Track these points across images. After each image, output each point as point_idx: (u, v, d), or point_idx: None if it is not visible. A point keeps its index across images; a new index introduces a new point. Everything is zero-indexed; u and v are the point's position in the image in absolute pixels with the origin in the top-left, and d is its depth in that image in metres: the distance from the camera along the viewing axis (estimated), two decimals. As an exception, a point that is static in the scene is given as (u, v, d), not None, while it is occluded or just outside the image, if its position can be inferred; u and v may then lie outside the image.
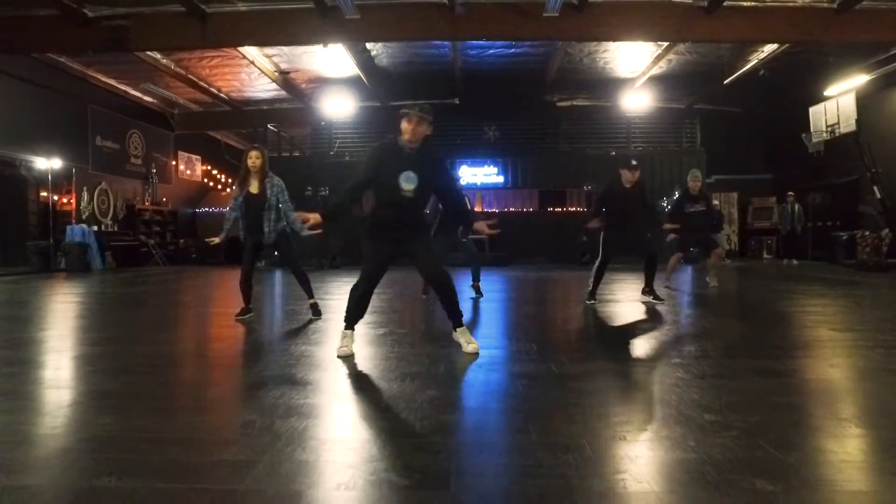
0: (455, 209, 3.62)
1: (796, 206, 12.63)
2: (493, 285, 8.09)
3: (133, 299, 7.01)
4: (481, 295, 6.44)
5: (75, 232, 11.32)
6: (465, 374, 2.97)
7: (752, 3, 8.97)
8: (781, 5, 8.99)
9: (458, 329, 3.49)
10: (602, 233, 5.76)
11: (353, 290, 3.45)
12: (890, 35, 9.21)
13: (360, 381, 2.87)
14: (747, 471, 1.68)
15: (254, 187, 4.74)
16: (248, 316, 4.84)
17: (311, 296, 5.02)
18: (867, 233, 10.50)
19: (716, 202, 13.57)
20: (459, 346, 3.44)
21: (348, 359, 3.25)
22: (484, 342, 3.64)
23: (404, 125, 3.24)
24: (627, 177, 5.60)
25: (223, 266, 12.55)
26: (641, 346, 3.85)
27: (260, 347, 3.87)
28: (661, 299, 5.82)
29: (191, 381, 3.06)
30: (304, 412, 2.27)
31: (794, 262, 12.37)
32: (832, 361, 3.23)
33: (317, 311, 4.92)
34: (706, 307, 5.97)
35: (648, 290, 5.84)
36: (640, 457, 1.81)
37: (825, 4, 8.94)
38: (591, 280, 5.79)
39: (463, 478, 1.68)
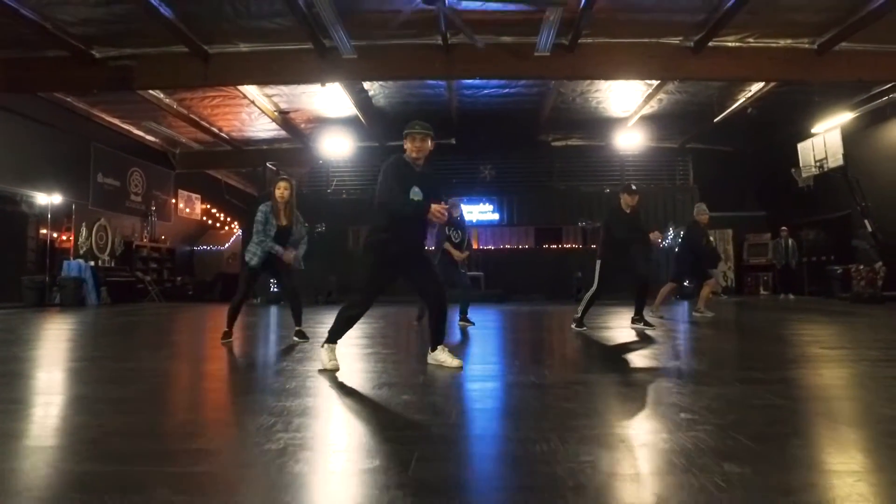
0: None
1: (790, 241, 12.72)
2: (486, 317, 8.05)
3: (122, 327, 6.97)
4: (472, 323, 6.41)
5: (72, 267, 11.36)
6: (444, 384, 2.94)
7: (737, 44, 9.28)
8: (765, 45, 9.30)
9: (439, 347, 3.46)
10: (600, 261, 5.80)
11: (346, 309, 3.42)
12: (868, 74, 9.49)
13: (340, 388, 2.84)
14: (717, 457, 1.65)
15: (281, 219, 4.81)
16: (228, 340, 4.81)
17: (298, 323, 5.00)
18: (861, 266, 10.52)
19: (711, 238, 13.70)
20: (441, 364, 3.40)
21: (332, 372, 3.22)
22: (468, 360, 3.60)
23: (409, 145, 3.40)
24: (627, 201, 5.73)
25: (217, 303, 12.53)
26: (626, 360, 3.81)
27: (240, 362, 3.84)
28: (652, 325, 5.80)
29: (168, 387, 3.03)
30: (276, 412, 2.25)
31: (791, 296, 12.35)
32: (818, 372, 3.20)
33: (303, 336, 4.90)
34: (698, 330, 5.93)
35: (638, 318, 5.83)
36: (609, 447, 1.79)
37: (806, 45, 9.25)
38: (581, 307, 5.78)
39: (422, 463, 1.65)
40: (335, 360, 3.32)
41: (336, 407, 2.49)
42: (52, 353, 4.44)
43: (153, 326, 7.25)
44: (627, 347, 4.49)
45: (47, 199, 11.48)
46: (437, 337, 3.48)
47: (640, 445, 1.80)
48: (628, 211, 5.78)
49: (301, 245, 5.04)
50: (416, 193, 3.31)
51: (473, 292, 7.40)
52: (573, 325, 5.75)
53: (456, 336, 5.32)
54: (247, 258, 4.81)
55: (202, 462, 1.67)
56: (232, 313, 4.88)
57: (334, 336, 3.41)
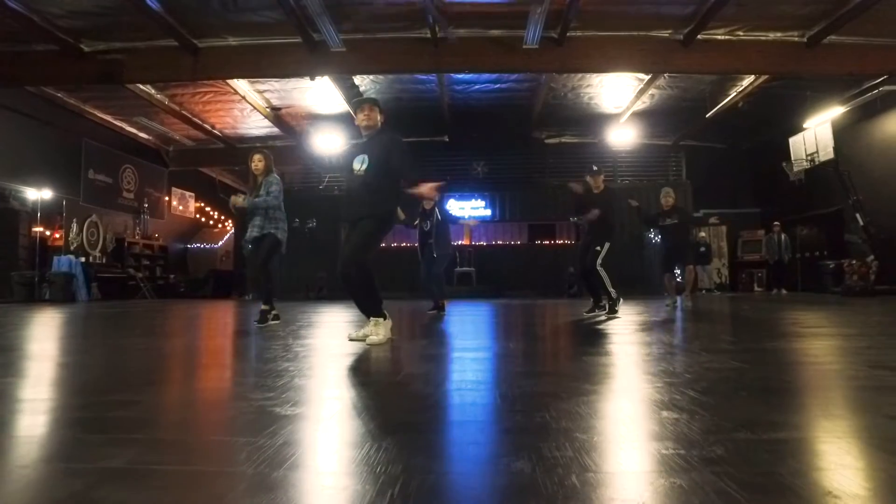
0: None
1: (783, 236, 12.70)
2: (473, 309, 8.01)
3: (107, 317, 6.94)
4: (438, 313, 6.33)
5: (62, 263, 11.34)
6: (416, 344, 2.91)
7: (727, 37, 9.26)
8: (754, 39, 9.28)
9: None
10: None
11: (370, 278, 3.41)
12: (857, 68, 9.48)
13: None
14: (659, 408, 1.62)
15: (257, 190, 5.01)
16: (271, 318, 4.87)
17: (266, 302, 4.92)
18: (854, 261, 10.49)
19: (703, 234, 13.69)
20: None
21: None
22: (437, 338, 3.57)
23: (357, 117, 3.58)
24: (592, 183, 5.83)
25: (210, 299, 12.51)
26: (592, 336, 3.78)
27: (212, 351, 3.81)
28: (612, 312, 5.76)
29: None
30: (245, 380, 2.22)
31: (784, 292, 12.32)
32: (790, 346, 3.17)
33: (264, 319, 4.82)
34: (680, 320, 5.89)
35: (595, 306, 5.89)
36: (560, 403, 1.75)
37: (795, 38, 9.24)
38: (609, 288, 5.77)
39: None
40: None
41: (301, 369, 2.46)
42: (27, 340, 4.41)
43: (122, 322, 7.22)
44: (605, 331, 4.47)
45: (38, 194, 11.46)
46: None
47: (583, 402, 1.77)
48: (597, 192, 5.88)
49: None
50: (360, 160, 3.48)
51: (462, 287, 7.44)
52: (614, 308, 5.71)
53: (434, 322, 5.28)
54: (282, 237, 4.98)
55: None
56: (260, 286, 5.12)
57: (379, 307, 3.42)
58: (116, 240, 13.67)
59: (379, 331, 3.33)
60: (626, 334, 4.09)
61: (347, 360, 2.72)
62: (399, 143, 3.54)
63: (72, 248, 12.18)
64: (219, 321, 5.85)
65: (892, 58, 9.30)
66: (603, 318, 5.52)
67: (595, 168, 5.90)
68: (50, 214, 12.03)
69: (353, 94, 11.87)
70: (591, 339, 3.79)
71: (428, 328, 4.70)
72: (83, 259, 12.04)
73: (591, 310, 5.88)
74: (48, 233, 12.04)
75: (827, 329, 4.20)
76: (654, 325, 4.95)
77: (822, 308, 7.10)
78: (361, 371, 2.47)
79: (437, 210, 6.67)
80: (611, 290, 5.72)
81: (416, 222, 6.66)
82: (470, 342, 3.70)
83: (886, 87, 10.21)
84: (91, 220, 12.91)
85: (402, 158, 3.44)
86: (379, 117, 3.55)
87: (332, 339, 3.89)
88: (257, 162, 5.06)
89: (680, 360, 2.55)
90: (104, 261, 13.12)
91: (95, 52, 9.40)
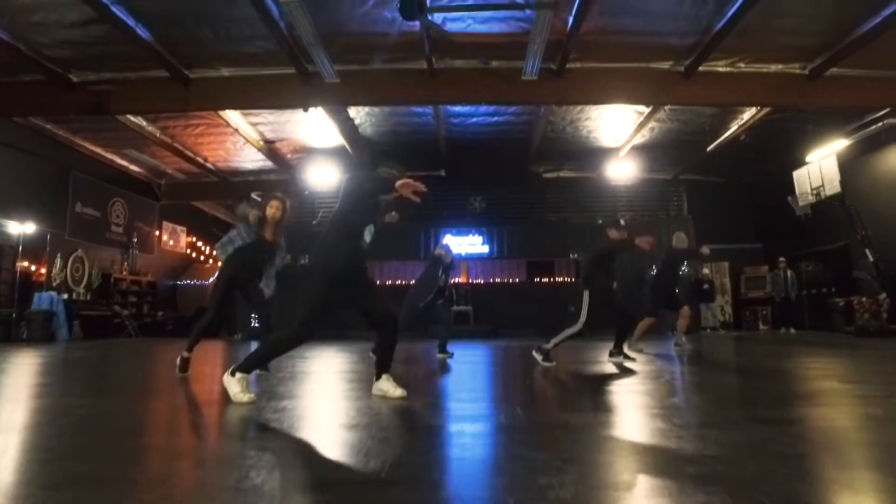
0: None
1: (789, 273, 12.36)
2: (470, 351, 7.60)
3: (69, 364, 6.47)
4: (450, 355, 6.06)
5: (43, 300, 10.87)
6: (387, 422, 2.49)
7: (728, 69, 9.14)
8: (756, 71, 9.15)
9: (384, 376, 3.21)
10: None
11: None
12: (860, 100, 9.36)
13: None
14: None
15: (268, 234, 4.53)
16: (185, 374, 4.37)
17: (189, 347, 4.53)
18: (864, 298, 10.12)
19: (706, 271, 13.35)
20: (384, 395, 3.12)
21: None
22: (439, 394, 3.16)
23: None
24: (615, 235, 5.55)
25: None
26: (585, 374, 3.36)
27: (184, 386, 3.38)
28: (633, 358, 5.41)
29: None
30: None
31: (792, 330, 11.89)
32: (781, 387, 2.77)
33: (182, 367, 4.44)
34: (677, 363, 5.49)
35: (617, 350, 5.48)
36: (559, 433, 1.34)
37: (797, 71, 9.11)
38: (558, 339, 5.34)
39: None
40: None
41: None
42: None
43: (85, 369, 6.77)
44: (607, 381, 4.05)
45: (20, 228, 11.06)
46: (385, 365, 3.25)
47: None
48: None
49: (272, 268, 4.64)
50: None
51: (459, 327, 7.28)
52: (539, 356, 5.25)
53: (434, 367, 4.87)
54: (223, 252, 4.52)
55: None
56: (198, 333, 4.54)
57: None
58: (103, 275, 13.22)
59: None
60: (612, 373, 3.69)
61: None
62: (351, 180, 3.39)
63: (54, 283, 11.73)
64: (202, 375, 5.36)
65: (895, 90, 9.17)
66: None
67: (622, 222, 5.73)
68: (34, 249, 11.62)
69: (347, 126, 11.69)
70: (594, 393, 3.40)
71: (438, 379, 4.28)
72: (66, 296, 11.58)
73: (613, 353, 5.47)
74: (32, 268, 11.60)
75: (852, 381, 3.79)
76: (648, 368, 4.57)
77: (837, 350, 6.68)
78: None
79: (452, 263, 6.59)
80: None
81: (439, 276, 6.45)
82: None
83: (890, 120, 10.04)
84: (76, 254, 12.50)
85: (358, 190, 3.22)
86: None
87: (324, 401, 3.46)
88: (275, 210, 4.54)
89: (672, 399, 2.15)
90: (89, 297, 12.65)
91: (84, 83, 9.21)
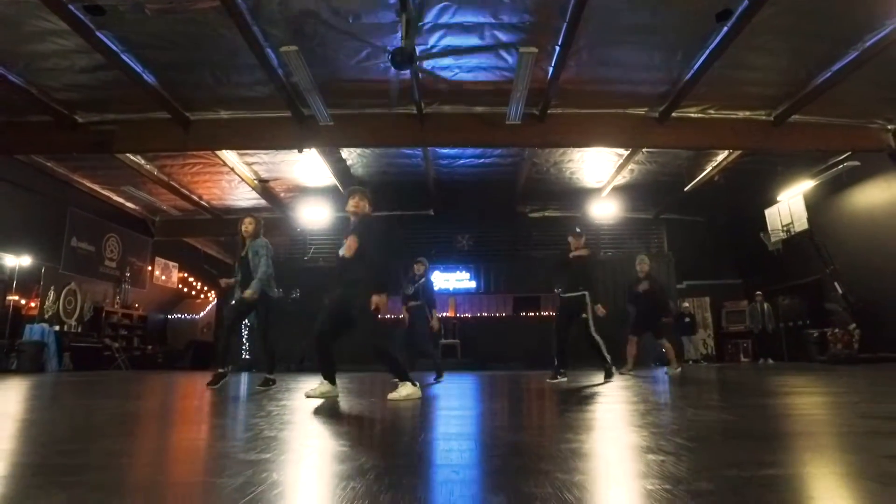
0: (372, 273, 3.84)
1: (765, 306, 12.81)
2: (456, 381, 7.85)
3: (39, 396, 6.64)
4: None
5: (34, 331, 11.00)
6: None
7: (699, 115, 9.75)
8: (725, 117, 9.78)
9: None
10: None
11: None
12: (822, 144, 10.03)
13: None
14: (645, 452, 1.55)
15: (244, 251, 5.24)
16: (222, 382, 4.73)
17: (270, 371, 5.00)
18: (836, 330, 10.56)
19: (687, 305, 13.77)
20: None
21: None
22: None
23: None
24: (574, 244, 5.90)
25: (188, 370, 12.12)
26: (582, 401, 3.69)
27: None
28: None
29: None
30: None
31: (770, 361, 12.27)
32: (776, 401, 3.11)
33: (266, 383, 4.86)
34: (666, 383, 5.80)
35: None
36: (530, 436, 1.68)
37: (763, 117, 9.76)
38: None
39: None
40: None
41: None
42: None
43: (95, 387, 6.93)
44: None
45: (16, 261, 11.28)
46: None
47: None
48: (571, 257, 6.00)
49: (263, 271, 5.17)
50: (342, 246, 3.91)
51: (446, 360, 7.56)
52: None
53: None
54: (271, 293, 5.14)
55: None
56: (220, 347, 5.38)
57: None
58: (94, 308, 13.37)
59: (402, 392, 3.69)
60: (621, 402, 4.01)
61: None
62: (376, 235, 3.91)
63: (46, 315, 11.86)
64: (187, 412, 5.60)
65: (851, 136, 9.87)
66: (601, 382, 5.46)
67: (578, 230, 6.01)
68: (27, 282, 11.79)
69: (339, 167, 12.16)
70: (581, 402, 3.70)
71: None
72: (57, 328, 11.71)
73: (552, 377, 5.71)
74: (23, 301, 11.75)
75: (814, 388, 4.15)
76: (645, 388, 4.87)
77: (809, 373, 7.05)
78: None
79: (425, 277, 6.76)
80: (606, 356, 5.67)
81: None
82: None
83: (850, 163, 10.70)
84: (69, 287, 12.68)
85: (378, 247, 3.83)
86: (367, 206, 4.02)
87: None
88: (247, 225, 5.26)
89: (667, 415, 2.48)
90: (80, 330, 12.76)
91: (89, 124, 9.60)
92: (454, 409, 3.24)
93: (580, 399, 3.62)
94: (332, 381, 3.86)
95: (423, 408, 3.25)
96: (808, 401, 3.23)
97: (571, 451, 1.57)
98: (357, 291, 3.73)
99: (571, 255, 5.92)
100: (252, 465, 1.41)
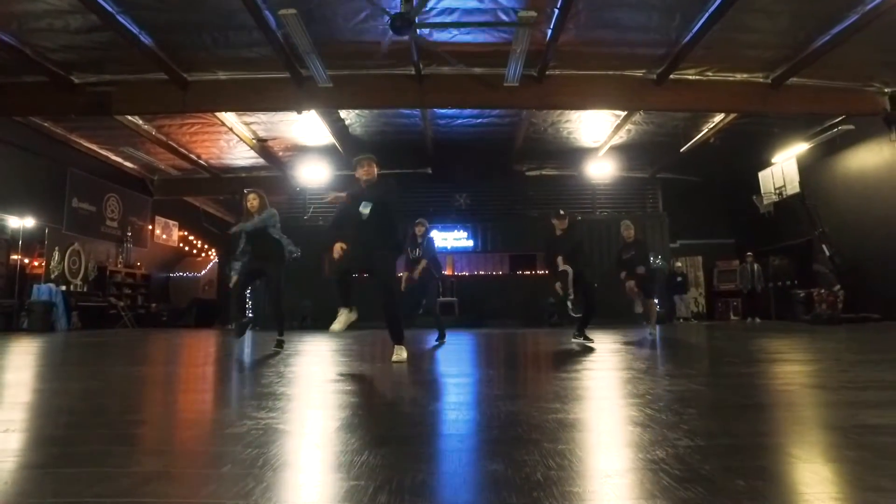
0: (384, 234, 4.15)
1: (755, 266, 13.14)
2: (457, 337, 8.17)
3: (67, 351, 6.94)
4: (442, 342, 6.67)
5: (42, 291, 11.26)
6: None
7: (696, 77, 9.77)
8: (722, 79, 9.81)
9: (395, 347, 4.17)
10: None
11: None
12: (817, 108, 10.10)
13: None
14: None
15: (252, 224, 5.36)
16: (246, 328, 5.10)
17: (280, 333, 5.28)
18: (822, 290, 10.89)
19: (679, 264, 14.08)
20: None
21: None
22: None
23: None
24: (556, 224, 6.13)
25: (192, 328, 12.48)
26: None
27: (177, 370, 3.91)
28: (591, 339, 6.03)
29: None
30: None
31: (758, 320, 12.69)
32: (746, 370, 3.39)
33: (279, 344, 5.16)
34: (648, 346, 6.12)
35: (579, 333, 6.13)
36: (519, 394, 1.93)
37: (760, 80, 9.79)
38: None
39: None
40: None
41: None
42: None
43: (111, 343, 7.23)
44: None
45: (20, 222, 11.43)
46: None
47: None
48: (558, 234, 6.17)
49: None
50: (365, 206, 4.10)
51: (445, 317, 7.83)
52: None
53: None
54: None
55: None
56: (237, 300, 5.58)
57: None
58: (98, 268, 13.61)
59: (402, 354, 4.07)
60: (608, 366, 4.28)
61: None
62: (391, 196, 4.29)
63: (52, 276, 12.11)
64: (204, 364, 5.90)
65: (848, 99, 9.94)
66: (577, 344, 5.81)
67: (561, 213, 6.24)
68: (30, 243, 11.97)
69: (338, 126, 12.16)
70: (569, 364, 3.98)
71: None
72: (63, 288, 11.97)
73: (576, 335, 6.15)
74: (27, 261, 11.96)
75: (791, 355, 4.44)
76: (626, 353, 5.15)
77: (789, 335, 7.38)
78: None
79: (426, 238, 6.96)
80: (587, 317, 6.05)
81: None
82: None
83: (844, 127, 10.79)
84: (73, 248, 12.87)
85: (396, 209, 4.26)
86: (376, 170, 4.31)
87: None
88: (252, 201, 5.36)
89: (644, 385, 2.75)
90: (85, 289, 13.04)
91: (86, 84, 9.57)
92: (453, 375, 3.52)
93: (570, 366, 3.90)
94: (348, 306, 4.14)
95: (426, 375, 3.52)
96: (784, 369, 3.51)
97: (558, 422, 1.83)
98: (385, 253, 4.06)
99: (558, 233, 6.18)
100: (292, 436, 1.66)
